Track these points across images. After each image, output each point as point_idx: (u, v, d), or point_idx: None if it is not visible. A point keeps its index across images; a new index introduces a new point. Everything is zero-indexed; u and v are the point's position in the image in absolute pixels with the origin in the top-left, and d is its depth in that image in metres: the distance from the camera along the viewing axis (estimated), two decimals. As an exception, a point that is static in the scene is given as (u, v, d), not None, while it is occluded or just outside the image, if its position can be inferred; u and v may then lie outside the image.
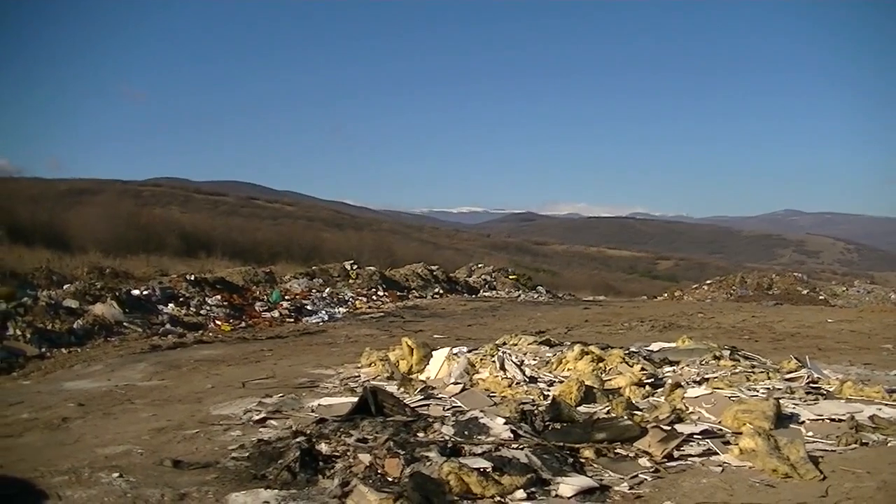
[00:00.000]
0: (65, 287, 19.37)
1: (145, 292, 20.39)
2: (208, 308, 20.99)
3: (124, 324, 17.19)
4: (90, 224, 44.03)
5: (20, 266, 22.80)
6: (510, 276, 41.84)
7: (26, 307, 15.92)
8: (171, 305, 20.12)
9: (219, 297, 22.34)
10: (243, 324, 20.15)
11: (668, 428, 7.39)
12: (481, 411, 8.06)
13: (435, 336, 16.90)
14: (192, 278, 23.06)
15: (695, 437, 7.35)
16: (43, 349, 14.23)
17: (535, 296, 36.44)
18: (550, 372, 10.63)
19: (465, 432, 7.31)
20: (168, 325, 18.06)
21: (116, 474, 6.46)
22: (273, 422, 8.45)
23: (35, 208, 45.53)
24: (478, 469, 6.11)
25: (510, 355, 11.07)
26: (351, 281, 30.41)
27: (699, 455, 6.96)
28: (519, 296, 35.69)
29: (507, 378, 10.09)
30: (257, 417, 8.63)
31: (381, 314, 24.15)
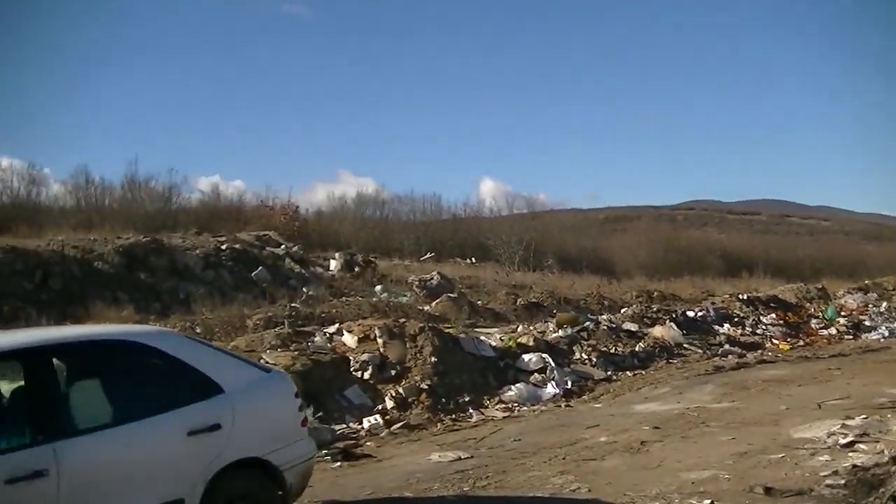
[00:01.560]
0: (622, 311, 20.14)
1: (700, 313, 20.47)
2: (763, 327, 20.58)
3: (683, 345, 17.41)
4: (631, 250, 45.94)
5: (571, 293, 24.23)
6: None
7: (588, 332, 16.75)
8: (726, 325, 20.03)
9: (773, 315, 21.79)
10: (801, 342, 19.60)
11: None
12: None
13: None
14: (745, 297, 22.74)
15: None
16: (608, 372, 14.83)
17: None
18: None
19: None
20: (726, 346, 17.97)
21: (707, 501, 6.36)
22: (862, 446, 7.92)
23: (579, 238, 48.68)
24: None
25: None
26: (911, 294, 27.80)
27: None
28: None
29: None
30: (844, 441, 8.15)
31: (948, 327, 21.93)
